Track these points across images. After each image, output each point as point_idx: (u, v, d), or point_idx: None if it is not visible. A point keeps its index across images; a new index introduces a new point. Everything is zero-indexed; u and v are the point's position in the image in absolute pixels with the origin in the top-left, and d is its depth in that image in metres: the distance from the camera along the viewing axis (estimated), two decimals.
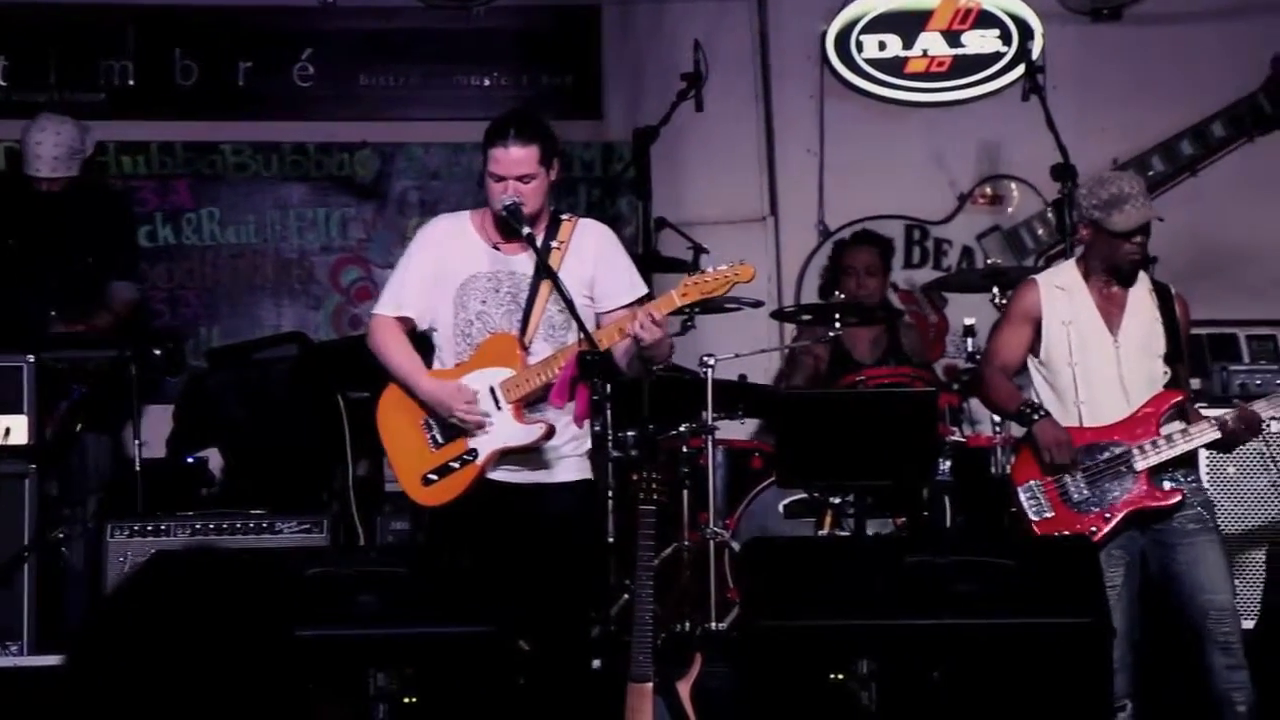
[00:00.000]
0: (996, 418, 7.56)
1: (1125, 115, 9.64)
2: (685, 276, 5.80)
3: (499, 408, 5.74)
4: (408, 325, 5.90)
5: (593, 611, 5.99)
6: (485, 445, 5.75)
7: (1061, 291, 6.19)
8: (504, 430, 5.74)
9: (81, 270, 7.75)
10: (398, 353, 5.85)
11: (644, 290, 5.98)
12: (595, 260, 5.84)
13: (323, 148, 9.65)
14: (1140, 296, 6.17)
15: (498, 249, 5.84)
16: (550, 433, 5.73)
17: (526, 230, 5.69)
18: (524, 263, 5.82)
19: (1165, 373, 6.11)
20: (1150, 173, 9.49)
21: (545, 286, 5.77)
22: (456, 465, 5.77)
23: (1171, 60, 9.63)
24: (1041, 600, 5.42)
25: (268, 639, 4.84)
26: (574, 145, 9.64)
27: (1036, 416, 6.05)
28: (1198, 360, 7.16)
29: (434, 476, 5.78)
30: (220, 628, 4.27)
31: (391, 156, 9.67)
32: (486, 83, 9.73)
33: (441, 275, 5.84)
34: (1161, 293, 6.21)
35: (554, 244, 5.79)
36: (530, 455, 5.78)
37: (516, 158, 5.74)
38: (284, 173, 9.62)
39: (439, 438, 5.79)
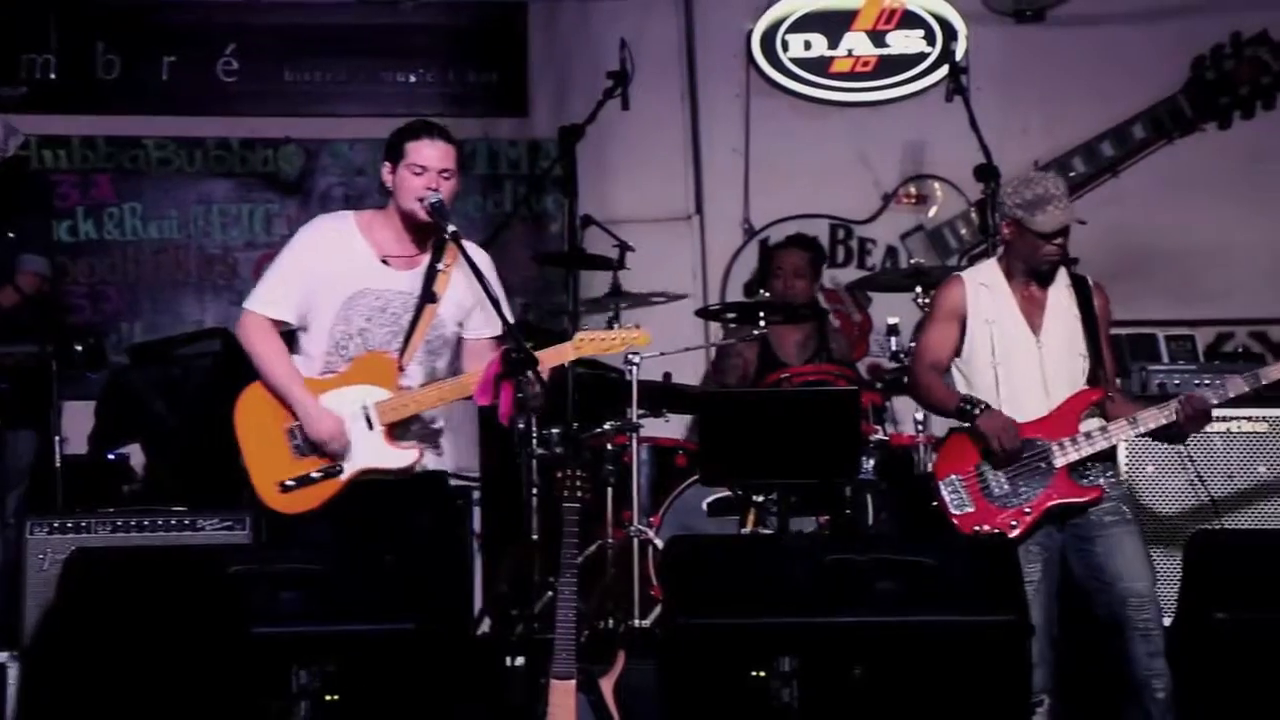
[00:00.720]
0: (919, 415, 7.61)
1: (1047, 116, 9.73)
2: (580, 331, 5.84)
3: (370, 427, 5.72)
4: (280, 325, 5.84)
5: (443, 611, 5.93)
6: (352, 463, 5.73)
7: (985, 289, 6.23)
8: (373, 451, 5.73)
9: (5, 262, 7.67)
10: (276, 361, 5.78)
11: (510, 319, 5.95)
12: (476, 289, 5.75)
13: (246, 143, 9.63)
14: (1060, 295, 6.22)
15: (388, 264, 5.79)
16: (421, 458, 5.76)
17: (451, 228, 5.66)
18: (410, 281, 5.78)
19: (1085, 371, 6.17)
20: (1072, 174, 9.57)
21: (429, 310, 5.75)
22: (318, 476, 5.73)
23: (1093, 62, 9.72)
24: (962, 598, 5.44)
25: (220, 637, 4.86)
26: (500, 143, 9.67)
27: (978, 410, 6.08)
28: (1118, 360, 7.21)
29: (292, 484, 5.73)
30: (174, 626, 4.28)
31: (316, 153, 9.66)
32: (412, 79, 9.72)
33: (327, 284, 5.77)
34: (1080, 287, 6.26)
35: (440, 267, 5.76)
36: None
37: (442, 151, 5.74)
38: (207, 168, 9.60)
39: (303, 446, 5.74)
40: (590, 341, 5.79)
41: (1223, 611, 5.51)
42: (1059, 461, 6.05)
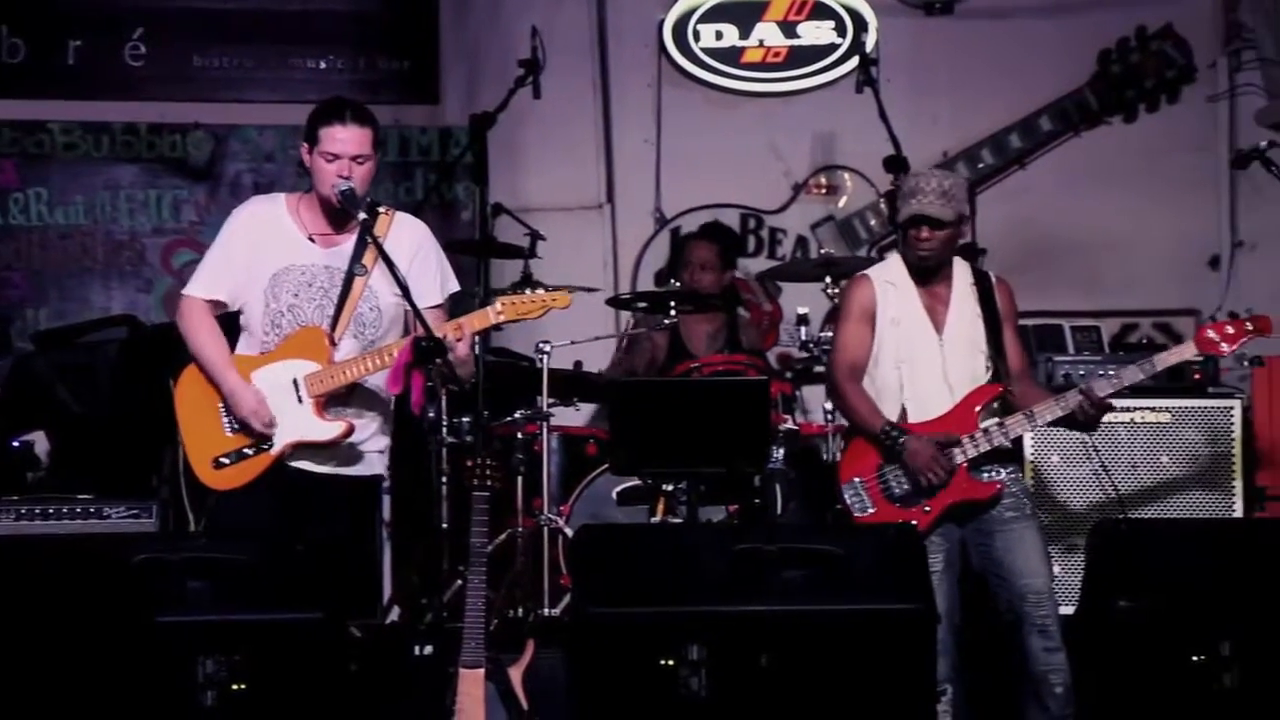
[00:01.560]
0: (828, 405, 7.64)
1: (956, 108, 9.80)
2: (502, 295, 5.82)
3: (300, 401, 5.73)
4: (219, 307, 5.87)
5: (351, 609, 5.91)
6: (281, 436, 5.74)
7: (892, 287, 6.22)
8: (302, 424, 5.73)
9: None
10: (207, 341, 5.80)
11: (455, 288, 5.97)
12: (410, 258, 5.79)
13: (154, 128, 9.56)
14: (963, 291, 6.23)
15: (314, 241, 5.81)
16: (349, 431, 5.75)
17: (363, 215, 5.66)
18: (339, 257, 5.80)
19: (988, 368, 6.19)
20: (980, 165, 9.66)
21: (358, 284, 5.77)
22: (250, 452, 5.75)
23: (1002, 55, 9.80)
24: (869, 587, 5.48)
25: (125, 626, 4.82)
26: (411, 130, 9.65)
27: (901, 442, 6.06)
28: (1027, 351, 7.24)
29: (226, 460, 5.75)
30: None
31: (225, 139, 9.60)
32: (323, 65, 9.67)
33: (255, 262, 5.80)
34: (981, 283, 6.28)
35: (369, 240, 5.75)
36: (329, 447, 5.78)
37: (355, 136, 5.71)
38: (115, 153, 9.52)
39: (236, 422, 5.76)
40: (511, 305, 5.74)
41: (1125, 600, 5.56)
42: (958, 459, 6.06)
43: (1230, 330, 6.17)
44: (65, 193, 9.49)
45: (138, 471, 7.44)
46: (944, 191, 6.09)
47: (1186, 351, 6.23)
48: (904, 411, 6.13)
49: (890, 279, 6.24)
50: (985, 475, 6.09)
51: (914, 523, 6.00)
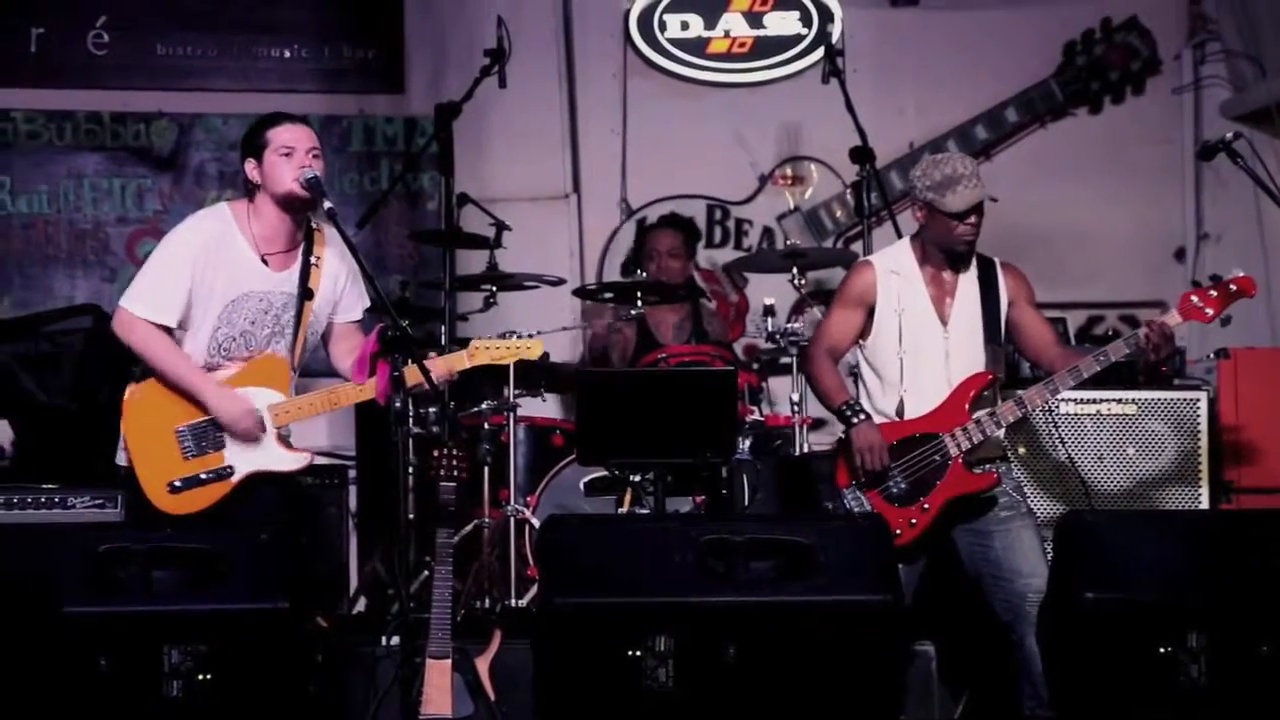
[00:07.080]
0: (795, 396, 7.65)
1: (922, 99, 9.81)
2: (476, 339, 6.02)
3: (264, 430, 5.73)
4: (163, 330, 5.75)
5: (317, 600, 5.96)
6: (245, 465, 5.73)
7: (896, 277, 6.17)
8: (267, 454, 5.74)
9: None
10: (175, 360, 5.70)
11: (369, 302, 6.03)
12: (346, 273, 5.92)
13: (118, 117, 9.51)
14: (969, 281, 6.20)
15: (266, 263, 5.76)
16: (310, 463, 5.83)
17: (328, 205, 5.62)
18: (288, 280, 5.79)
19: (989, 358, 6.14)
20: None
21: (307, 308, 5.79)
22: (207, 478, 5.71)
23: (967, 46, 9.81)
24: (837, 578, 5.48)
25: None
26: (376, 119, 9.61)
27: (856, 419, 6.05)
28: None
29: (180, 485, 5.70)
30: None
31: (189, 127, 9.54)
32: (287, 55, 9.63)
33: (211, 289, 5.71)
34: (985, 269, 6.23)
35: (313, 260, 5.79)
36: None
37: (305, 132, 5.76)
38: (78, 142, 9.46)
39: (193, 447, 5.71)
40: (485, 350, 5.95)
41: (1092, 591, 5.57)
42: (953, 451, 6.03)
43: (1214, 294, 6.04)
44: (28, 181, 9.43)
45: (102, 461, 7.40)
46: (979, 173, 6.07)
47: (1171, 320, 6.05)
48: (901, 403, 6.11)
49: (894, 268, 6.20)
50: (982, 467, 6.06)
51: (913, 521, 6.00)
